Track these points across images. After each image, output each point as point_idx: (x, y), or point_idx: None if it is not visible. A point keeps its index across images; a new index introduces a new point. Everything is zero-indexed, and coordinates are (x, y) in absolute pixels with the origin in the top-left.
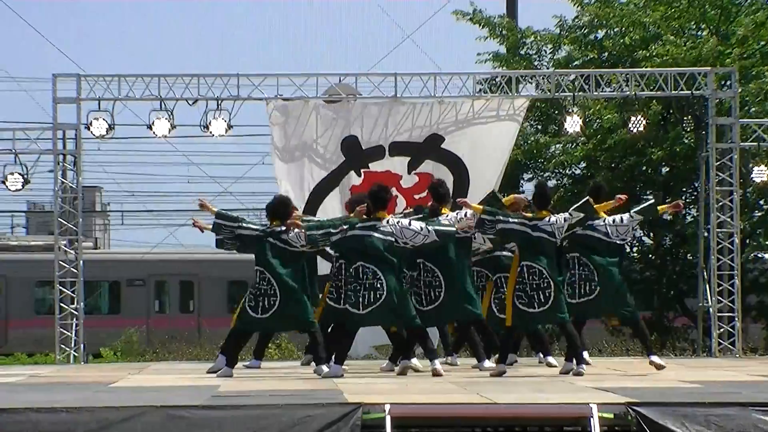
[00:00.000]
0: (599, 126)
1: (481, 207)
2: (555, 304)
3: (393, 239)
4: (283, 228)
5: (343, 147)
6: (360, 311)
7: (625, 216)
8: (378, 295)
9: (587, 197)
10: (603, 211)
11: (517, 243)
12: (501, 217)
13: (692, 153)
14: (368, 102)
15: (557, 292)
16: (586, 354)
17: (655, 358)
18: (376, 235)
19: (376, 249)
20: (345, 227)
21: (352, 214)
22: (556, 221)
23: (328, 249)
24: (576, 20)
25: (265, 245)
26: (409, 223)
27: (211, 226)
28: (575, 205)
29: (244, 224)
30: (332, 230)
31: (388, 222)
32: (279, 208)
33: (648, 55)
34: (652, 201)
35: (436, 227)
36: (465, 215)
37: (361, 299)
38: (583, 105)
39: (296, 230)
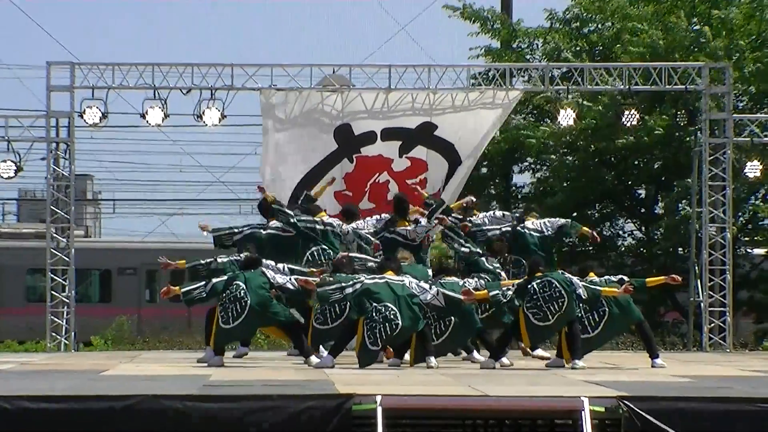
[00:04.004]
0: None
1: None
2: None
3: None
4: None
5: (336, 134)
6: (379, 347)
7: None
8: (395, 326)
9: None
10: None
11: None
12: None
13: (679, 146)
14: (362, 90)
15: None
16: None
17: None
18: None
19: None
20: (357, 284)
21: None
22: None
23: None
24: (566, 13)
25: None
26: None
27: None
28: None
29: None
30: (343, 284)
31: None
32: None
33: (624, 41)
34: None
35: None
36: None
37: (378, 334)
38: (576, 98)
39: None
